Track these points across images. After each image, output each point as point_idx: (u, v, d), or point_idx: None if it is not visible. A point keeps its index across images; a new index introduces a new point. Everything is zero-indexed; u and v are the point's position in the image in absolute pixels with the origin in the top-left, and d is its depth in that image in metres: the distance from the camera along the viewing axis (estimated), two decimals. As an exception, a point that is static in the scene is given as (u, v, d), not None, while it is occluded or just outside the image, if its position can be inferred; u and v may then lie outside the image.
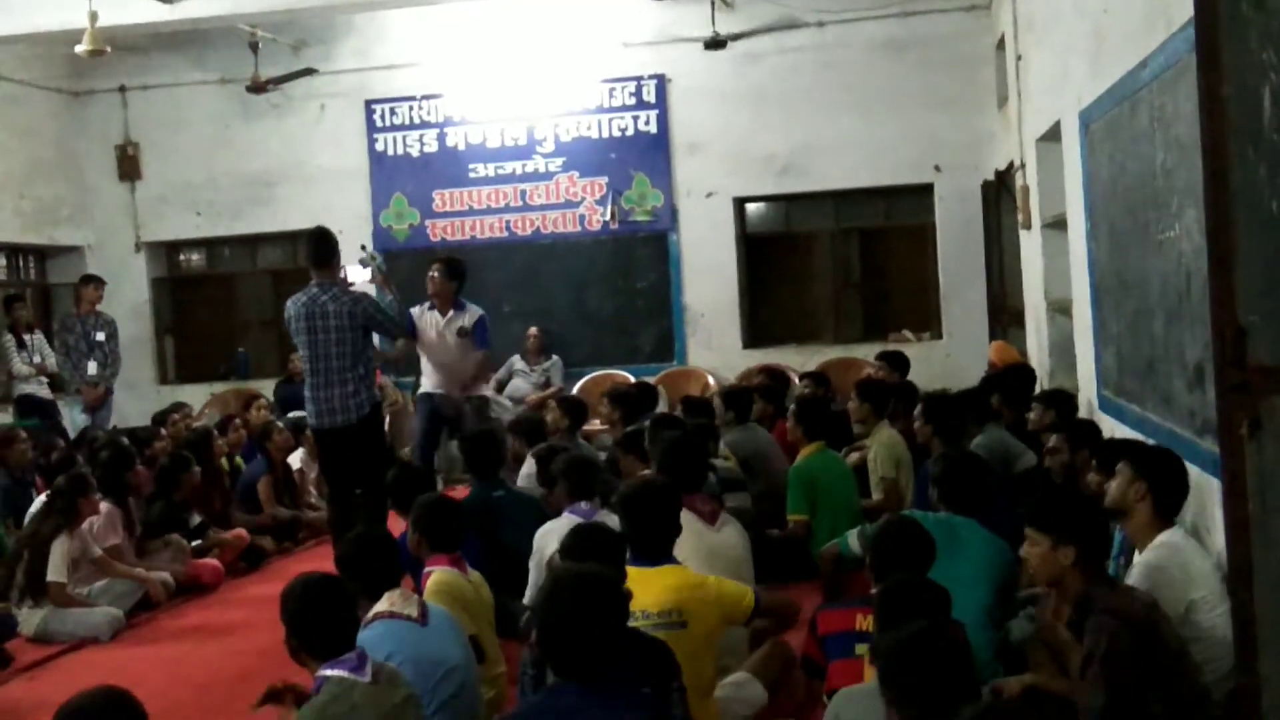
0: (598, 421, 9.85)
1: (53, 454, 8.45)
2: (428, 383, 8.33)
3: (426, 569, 4.61)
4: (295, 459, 9.00)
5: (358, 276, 6.61)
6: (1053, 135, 7.80)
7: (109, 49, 9.00)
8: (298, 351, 7.10)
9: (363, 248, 6.77)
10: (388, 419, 11.21)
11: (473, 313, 8.25)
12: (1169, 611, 3.64)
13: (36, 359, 10.45)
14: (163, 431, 8.94)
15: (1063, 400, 6.48)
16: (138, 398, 11.81)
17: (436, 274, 8.19)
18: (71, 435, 9.98)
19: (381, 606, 3.92)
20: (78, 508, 6.67)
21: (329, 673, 3.29)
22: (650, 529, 4.22)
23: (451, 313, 8.15)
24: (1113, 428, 6.03)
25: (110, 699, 2.92)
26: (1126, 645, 3.35)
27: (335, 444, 6.93)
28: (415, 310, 8.13)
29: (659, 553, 4.21)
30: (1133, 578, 3.92)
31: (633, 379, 10.46)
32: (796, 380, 9.40)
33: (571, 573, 3.27)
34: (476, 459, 6.45)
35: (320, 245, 6.96)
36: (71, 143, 12.40)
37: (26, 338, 10.47)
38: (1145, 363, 5.39)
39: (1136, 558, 4.08)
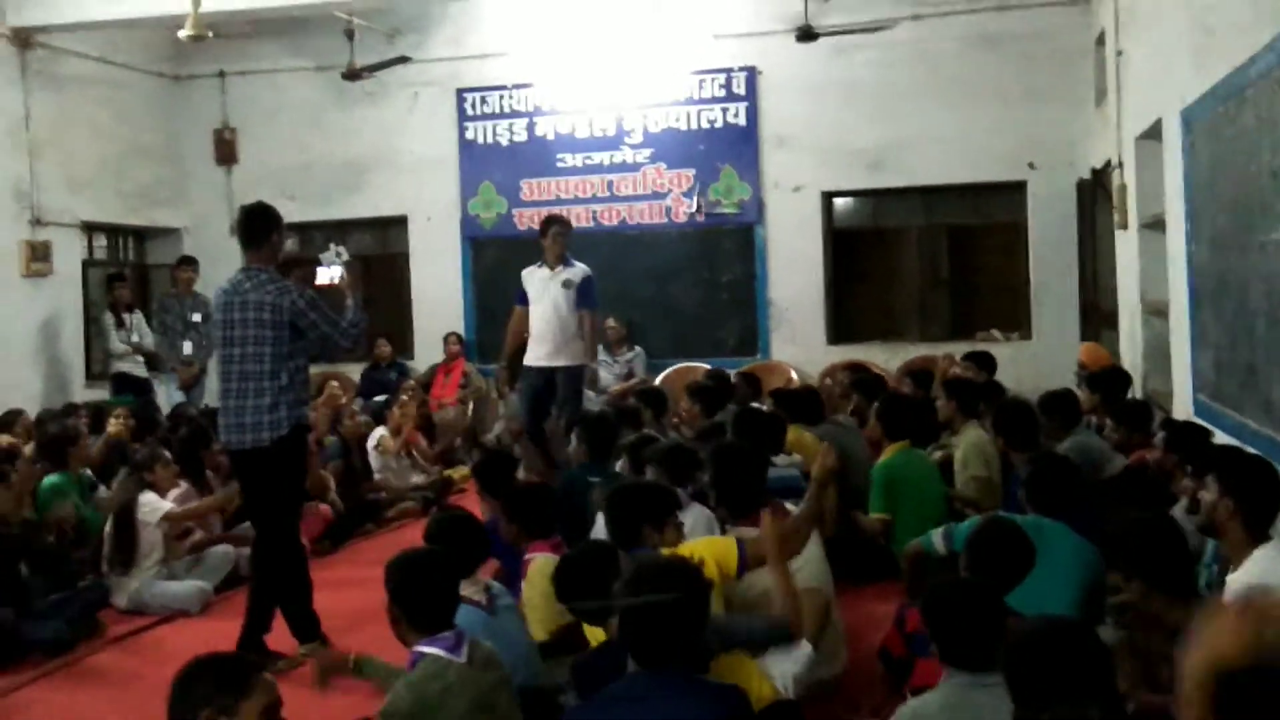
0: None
1: (145, 434, 8.64)
2: (528, 355, 8.41)
3: (528, 556, 4.64)
4: (373, 437, 9.15)
5: (326, 277, 6.08)
6: (1153, 133, 7.62)
7: (210, 35, 9.20)
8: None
9: (330, 244, 5.95)
10: (472, 405, 11.35)
11: (580, 269, 8.46)
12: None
13: (134, 338, 10.76)
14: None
15: (1144, 417, 6.33)
16: (229, 378, 12.01)
17: (558, 231, 8.45)
18: (166, 413, 10.20)
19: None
20: (154, 475, 6.84)
21: (426, 650, 3.31)
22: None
23: (560, 267, 8.43)
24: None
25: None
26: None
27: (243, 471, 5.65)
28: (524, 272, 8.53)
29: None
30: (1230, 596, 3.81)
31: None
32: (889, 377, 9.29)
33: (655, 562, 3.27)
34: (593, 438, 6.33)
35: (250, 222, 5.63)
36: (171, 126, 12.67)
37: (125, 317, 10.79)
38: (1245, 367, 5.26)
39: (1231, 574, 3.97)
